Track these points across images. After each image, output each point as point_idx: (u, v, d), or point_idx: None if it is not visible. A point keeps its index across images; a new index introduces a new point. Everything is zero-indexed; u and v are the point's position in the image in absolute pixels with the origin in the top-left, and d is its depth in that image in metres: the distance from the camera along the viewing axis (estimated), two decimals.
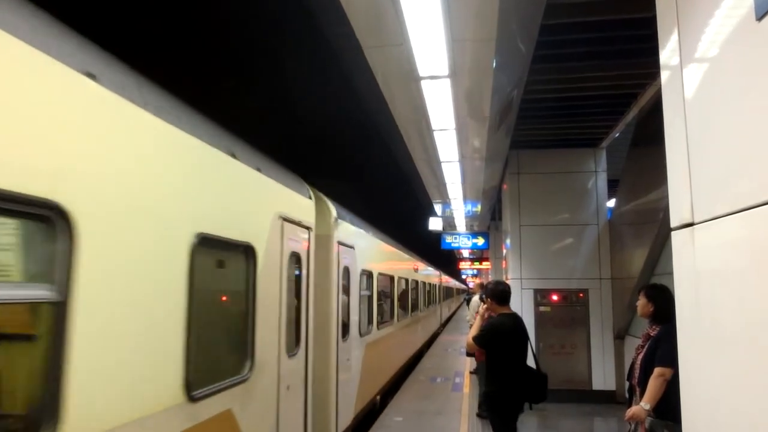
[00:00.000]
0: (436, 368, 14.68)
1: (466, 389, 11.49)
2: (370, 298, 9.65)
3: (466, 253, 31.87)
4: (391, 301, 12.40)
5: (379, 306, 10.66)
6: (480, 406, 9.12)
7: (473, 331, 5.82)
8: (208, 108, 4.53)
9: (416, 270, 17.28)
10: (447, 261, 44.85)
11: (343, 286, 7.51)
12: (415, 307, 16.52)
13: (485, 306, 5.98)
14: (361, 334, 8.52)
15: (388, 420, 8.91)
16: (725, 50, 2.09)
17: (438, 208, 16.91)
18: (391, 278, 12.22)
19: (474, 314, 12.60)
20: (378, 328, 10.12)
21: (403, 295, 14.36)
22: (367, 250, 9.53)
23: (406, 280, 14.78)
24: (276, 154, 5.71)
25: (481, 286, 14.84)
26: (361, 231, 9.04)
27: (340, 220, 7.31)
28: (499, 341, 5.56)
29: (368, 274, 9.46)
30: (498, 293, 5.81)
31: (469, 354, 13.38)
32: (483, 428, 8.33)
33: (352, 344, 7.95)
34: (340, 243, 7.24)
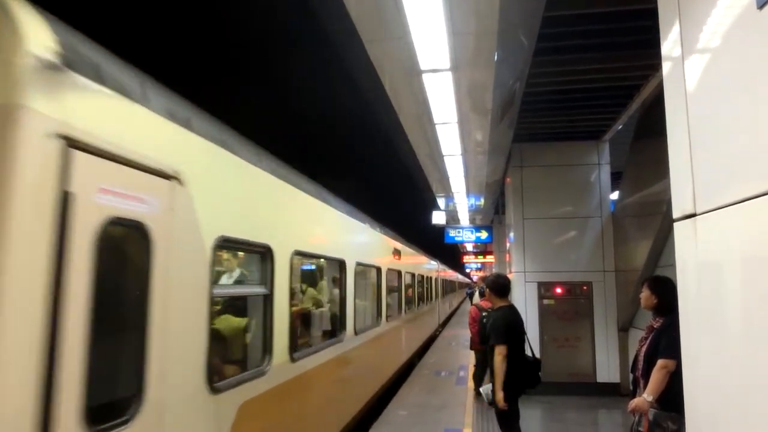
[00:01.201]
0: (440, 362, 14.69)
1: (470, 383, 11.50)
2: (268, 300, 4.71)
3: (469, 247, 31.87)
4: (342, 302, 7.43)
5: (299, 315, 6.03)
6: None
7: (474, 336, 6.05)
8: (211, 105, 4.52)
9: (398, 257, 12.59)
10: (451, 255, 44.88)
11: (97, 273, 2.55)
12: (395, 310, 11.92)
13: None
14: (216, 389, 3.67)
15: (392, 414, 8.93)
16: (727, 40, 2.08)
17: (441, 201, 16.93)
18: (341, 265, 7.41)
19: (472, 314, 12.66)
20: (293, 360, 5.14)
21: (369, 291, 9.94)
22: (255, 195, 4.62)
23: (378, 270, 10.00)
24: (278, 149, 5.68)
25: (483, 279, 14.93)
26: (227, 143, 4.08)
27: (79, 79, 2.56)
28: (509, 333, 5.76)
29: (260, 254, 4.73)
30: (499, 286, 6.02)
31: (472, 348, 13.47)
32: (486, 419, 8.35)
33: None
34: (76, 144, 2.45)
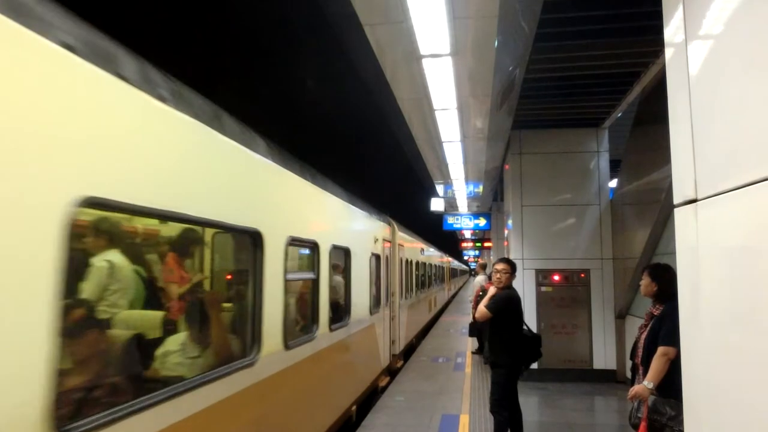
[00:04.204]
0: (438, 348, 14.75)
1: (467, 369, 11.56)
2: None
3: (467, 234, 31.91)
4: None
5: None
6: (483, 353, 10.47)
7: (484, 302, 6.31)
8: (212, 94, 4.48)
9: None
10: (450, 242, 44.99)
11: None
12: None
13: (492, 284, 6.48)
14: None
15: (390, 400, 8.97)
16: (731, 25, 2.05)
17: (440, 188, 16.92)
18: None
19: (476, 293, 12.84)
20: None
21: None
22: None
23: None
24: (275, 135, 5.67)
25: (483, 266, 14.97)
26: None
27: None
28: (514, 310, 6.25)
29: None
30: (515, 268, 6.53)
31: (471, 334, 13.61)
32: (484, 405, 8.39)
33: None
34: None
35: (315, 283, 6.23)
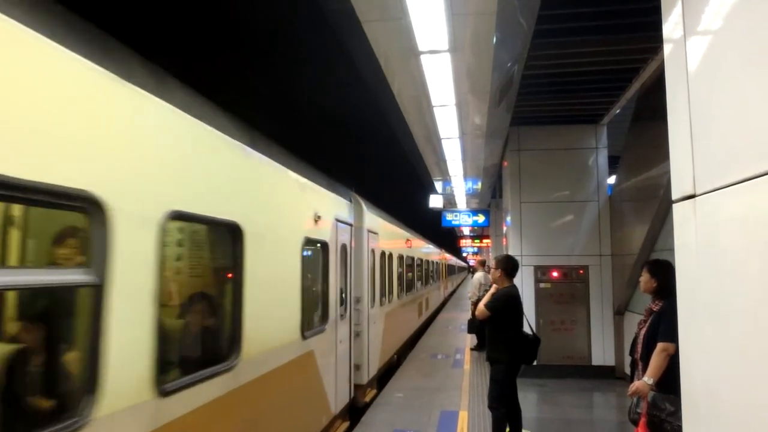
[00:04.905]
0: (436, 345, 14.76)
1: (466, 366, 11.57)
2: None
3: (466, 231, 31.89)
4: None
5: None
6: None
7: (484, 301, 6.29)
8: (211, 92, 4.43)
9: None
10: (448, 238, 44.94)
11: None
12: None
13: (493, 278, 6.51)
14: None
15: (389, 397, 8.98)
16: (729, 20, 2.05)
17: (438, 185, 16.91)
18: None
19: (475, 290, 12.86)
20: None
21: None
22: None
23: None
24: (274, 131, 5.63)
25: (482, 263, 14.97)
26: None
27: None
28: (513, 308, 6.23)
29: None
30: (512, 266, 6.49)
31: (470, 331, 13.63)
32: (483, 402, 8.39)
33: None
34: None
35: (96, 294, 2.68)
